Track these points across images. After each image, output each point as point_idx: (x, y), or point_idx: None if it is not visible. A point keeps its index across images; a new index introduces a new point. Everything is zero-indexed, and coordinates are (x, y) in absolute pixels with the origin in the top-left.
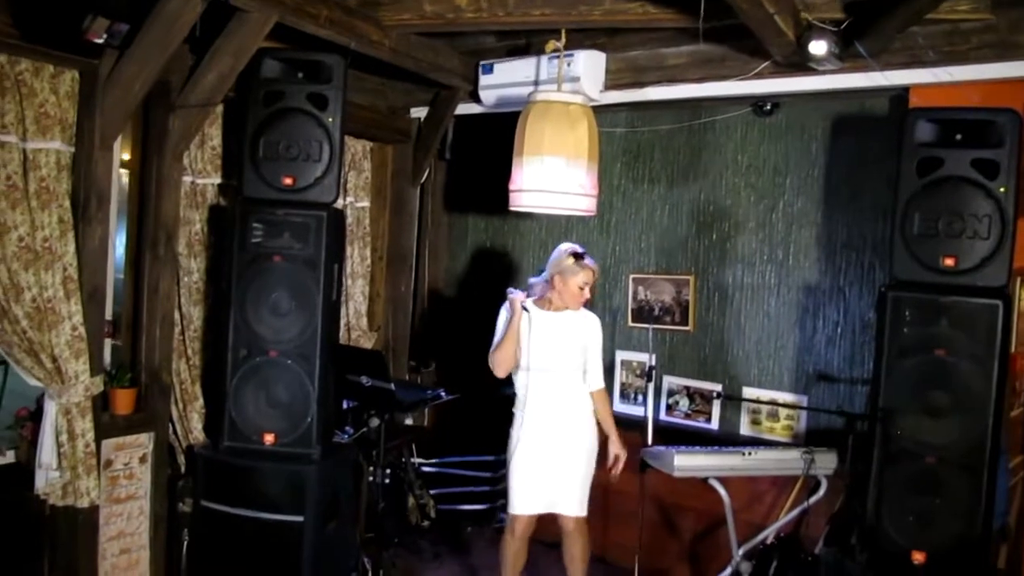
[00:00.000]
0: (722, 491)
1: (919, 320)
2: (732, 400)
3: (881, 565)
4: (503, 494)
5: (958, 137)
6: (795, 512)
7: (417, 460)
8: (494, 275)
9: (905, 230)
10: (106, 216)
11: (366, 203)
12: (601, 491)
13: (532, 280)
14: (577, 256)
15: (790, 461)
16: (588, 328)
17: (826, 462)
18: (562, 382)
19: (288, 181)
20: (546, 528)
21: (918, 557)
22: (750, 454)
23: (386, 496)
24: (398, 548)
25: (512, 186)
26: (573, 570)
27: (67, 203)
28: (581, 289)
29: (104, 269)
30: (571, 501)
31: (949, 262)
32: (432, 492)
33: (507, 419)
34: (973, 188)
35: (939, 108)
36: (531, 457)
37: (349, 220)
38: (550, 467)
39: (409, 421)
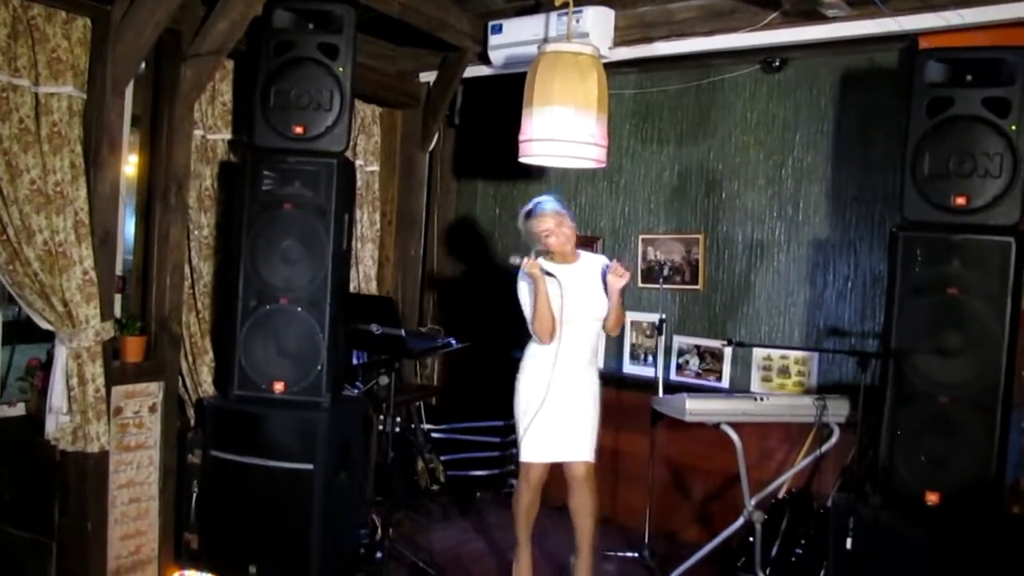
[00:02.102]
0: (734, 436)
1: (931, 259)
2: (743, 347)
3: (895, 507)
4: (513, 459)
5: (968, 78)
6: (808, 460)
7: (427, 426)
8: (502, 242)
9: (916, 171)
10: (118, 162)
11: (375, 167)
12: (610, 453)
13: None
14: (527, 215)
15: (802, 407)
16: (600, 269)
17: (838, 408)
18: (585, 331)
19: (299, 130)
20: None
21: (932, 498)
22: (762, 399)
23: (396, 458)
24: (407, 510)
25: (522, 137)
26: (582, 518)
27: (79, 148)
28: (546, 235)
29: (115, 215)
30: (582, 447)
31: (960, 201)
32: (442, 459)
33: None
34: (984, 127)
35: (949, 48)
36: (548, 406)
37: (359, 184)
38: (564, 415)
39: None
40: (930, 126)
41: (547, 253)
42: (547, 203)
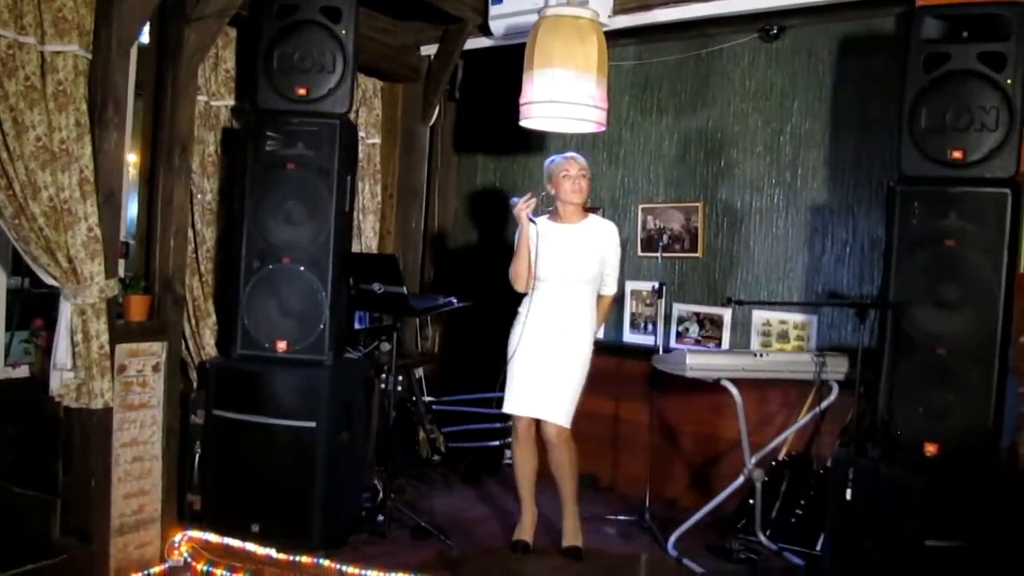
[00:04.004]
0: (734, 391)
1: (928, 213)
2: (743, 305)
3: (894, 459)
4: (511, 432)
5: (964, 34)
6: (808, 416)
7: (427, 398)
8: (503, 214)
9: (912, 126)
10: (123, 121)
11: (376, 140)
12: (611, 421)
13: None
14: (557, 157)
15: (801, 363)
16: (605, 237)
17: (837, 365)
18: (573, 293)
19: (302, 91)
20: None
21: (930, 449)
22: (762, 355)
23: (397, 426)
24: (408, 479)
25: (522, 100)
26: (562, 476)
27: (84, 107)
28: (563, 174)
29: (120, 173)
30: (558, 410)
31: (957, 155)
32: (443, 430)
33: None
34: (980, 81)
35: (945, 4)
36: (530, 361)
37: (360, 156)
38: (546, 373)
39: (419, 375)
40: (927, 81)
41: (551, 209)
42: (580, 156)
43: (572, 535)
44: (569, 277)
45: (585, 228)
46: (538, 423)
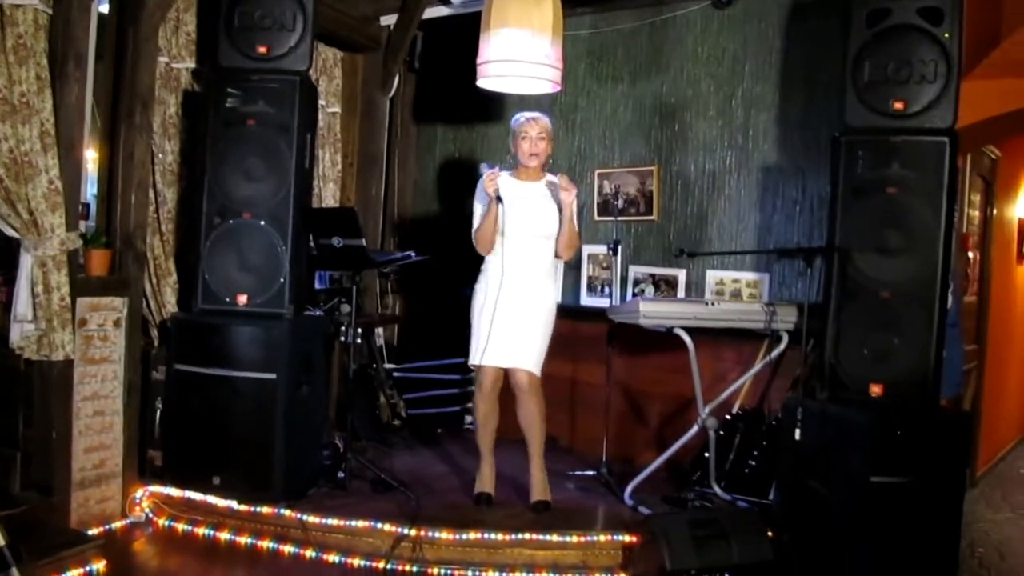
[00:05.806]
0: (687, 339)
1: (871, 161)
2: (694, 256)
3: (840, 400)
4: (471, 397)
5: None
6: (760, 365)
7: (388, 365)
8: (461, 183)
9: (856, 79)
10: (84, 75)
11: (337, 109)
12: (569, 383)
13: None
14: (521, 116)
15: (753, 313)
16: (555, 189)
17: (787, 315)
18: (534, 248)
19: (262, 50)
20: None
21: (875, 390)
22: (714, 304)
23: (357, 388)
24: (369, 441)
25: (479, 60)
26: (530, 428)
27: (44, 61)
28: (523, 136)
29: (81, 127)
30: (525, 357)
31: (899, 106)
32: (404, 397)
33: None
34: (919, 35)
35: None
36: (498, 314)
37: (320, 125)
38: (513, 325)
39: (380, 342)
40: (869, 36)
41: (514, 167)
42: (544, 116)
43: (540, 489)
44: (531, 233)
45: (544, 186)
46: (507, 378)
